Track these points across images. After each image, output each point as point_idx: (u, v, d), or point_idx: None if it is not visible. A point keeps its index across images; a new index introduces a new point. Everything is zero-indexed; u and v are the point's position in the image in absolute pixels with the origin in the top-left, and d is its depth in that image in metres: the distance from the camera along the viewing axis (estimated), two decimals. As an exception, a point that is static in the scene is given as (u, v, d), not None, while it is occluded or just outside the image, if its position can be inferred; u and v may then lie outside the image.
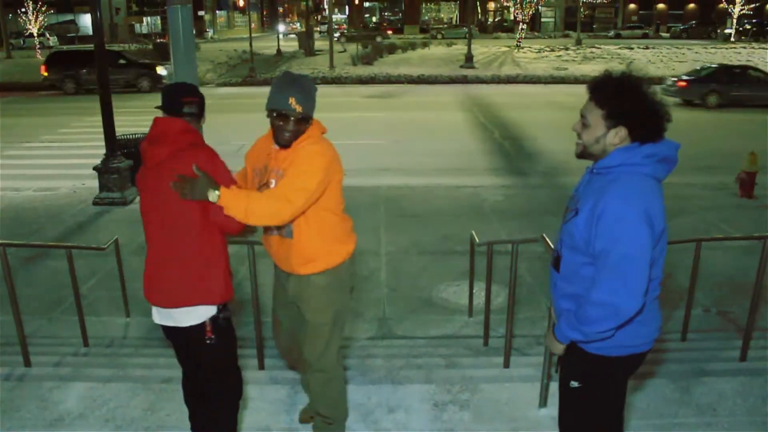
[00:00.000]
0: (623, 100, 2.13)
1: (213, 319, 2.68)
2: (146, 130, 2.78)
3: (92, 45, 8.13)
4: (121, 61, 22.19)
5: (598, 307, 2.12)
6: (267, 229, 2.96)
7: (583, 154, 2.27)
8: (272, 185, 2.79)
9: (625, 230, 2.06)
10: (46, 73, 21.89)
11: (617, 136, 2.15)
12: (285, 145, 2.77)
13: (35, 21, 37.79)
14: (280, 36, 40.08)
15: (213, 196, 2.53)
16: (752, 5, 43.58)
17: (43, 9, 38.05)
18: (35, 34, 38.13)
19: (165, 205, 2.60)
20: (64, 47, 40.68)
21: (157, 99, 2.74)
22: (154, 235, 2.67)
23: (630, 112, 2.13)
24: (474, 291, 5.07)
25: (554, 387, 2.99)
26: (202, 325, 2.66)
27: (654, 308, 2.28)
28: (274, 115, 2.73)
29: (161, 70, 22.13)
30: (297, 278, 2.97)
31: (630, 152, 2.15)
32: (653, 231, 2.09)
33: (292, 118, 2.71)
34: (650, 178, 2.16)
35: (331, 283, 2.98)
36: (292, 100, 2.69)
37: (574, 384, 2.38)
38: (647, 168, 2.16)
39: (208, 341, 2.68)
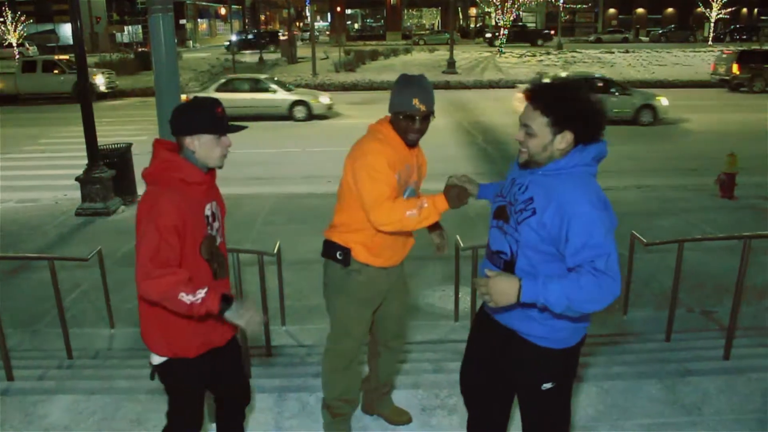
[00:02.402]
0: (567, 106, 2.15)
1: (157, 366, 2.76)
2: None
3: None
4: None
5: (597, 287, 2.05)
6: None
7: (528, 162, 2.26)
8: (415, 182, 3.27)
9: (597, 224, 2.09)
10: (737, 72, 21.62)
11: (564, 140, 2.18)
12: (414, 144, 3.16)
13: (14, 31, 37.49)
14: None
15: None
16: (729, 9, 44.26)
17: (22, 19, 37.77)
18: (14, 44, 37.80)
19: None
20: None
21: None
22: None
23: (574, 117, 2.15)
24: (459, 295, 5.08)
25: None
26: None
27: None
28: (401, 117, 3.10)
29: None
30: (400, 267, 3.27)
31: (582, 154, 2.19)
32: (611, 216, 2.16)
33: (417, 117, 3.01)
34: (593, 176, 2.23)
35: None
36: (415, 101, 2.99)
37: (547, 385, 2.36)
38: (593, 168, 2.24)
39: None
